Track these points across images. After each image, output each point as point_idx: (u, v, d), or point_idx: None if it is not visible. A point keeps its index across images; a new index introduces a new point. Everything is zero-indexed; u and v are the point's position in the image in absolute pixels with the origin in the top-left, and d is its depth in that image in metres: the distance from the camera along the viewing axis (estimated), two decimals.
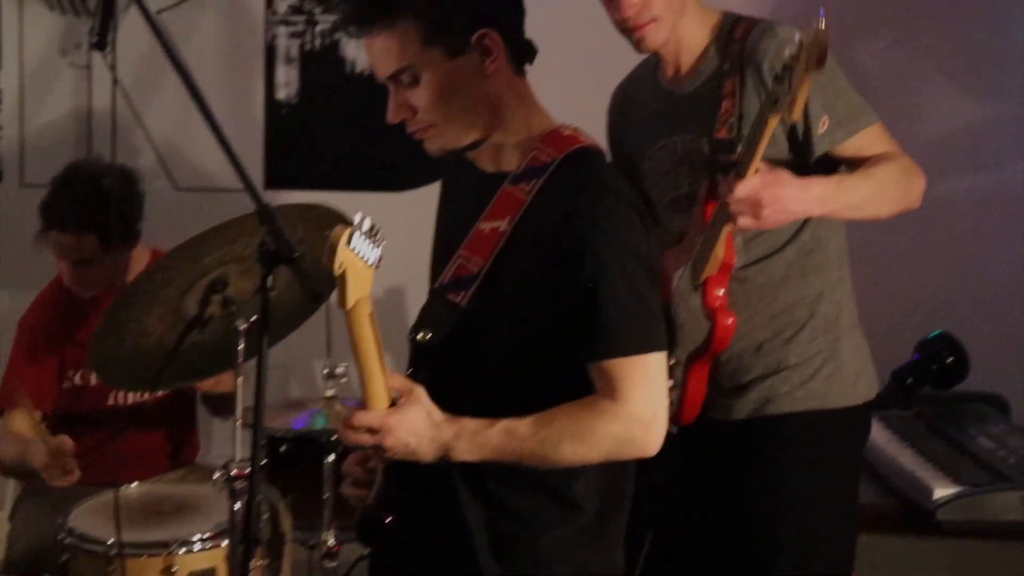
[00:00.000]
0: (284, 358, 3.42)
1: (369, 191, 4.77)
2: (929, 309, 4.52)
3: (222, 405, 3.91)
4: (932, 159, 2.90)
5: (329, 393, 3.88)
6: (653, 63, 3.02)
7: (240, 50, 4.83)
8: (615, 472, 2.42)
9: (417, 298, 2.51)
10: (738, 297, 2.86)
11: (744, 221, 2.67)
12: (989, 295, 4.60)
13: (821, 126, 2.79)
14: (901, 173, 2.83)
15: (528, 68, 2.47)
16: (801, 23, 2.93)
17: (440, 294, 2.41)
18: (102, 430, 3.87)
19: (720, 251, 2.77)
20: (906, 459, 3.72)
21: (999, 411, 4.21)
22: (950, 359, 4.10)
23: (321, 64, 4.82)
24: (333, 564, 3.68)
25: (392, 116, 2.42)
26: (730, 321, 2.80)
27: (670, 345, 2.84)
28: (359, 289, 2.21)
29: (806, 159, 2.83)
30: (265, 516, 3.41)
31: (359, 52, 4.73)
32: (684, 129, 2.92)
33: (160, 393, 3.91)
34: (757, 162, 2.62)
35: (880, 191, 2.80)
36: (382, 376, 2.29)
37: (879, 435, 3.73)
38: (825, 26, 2.39)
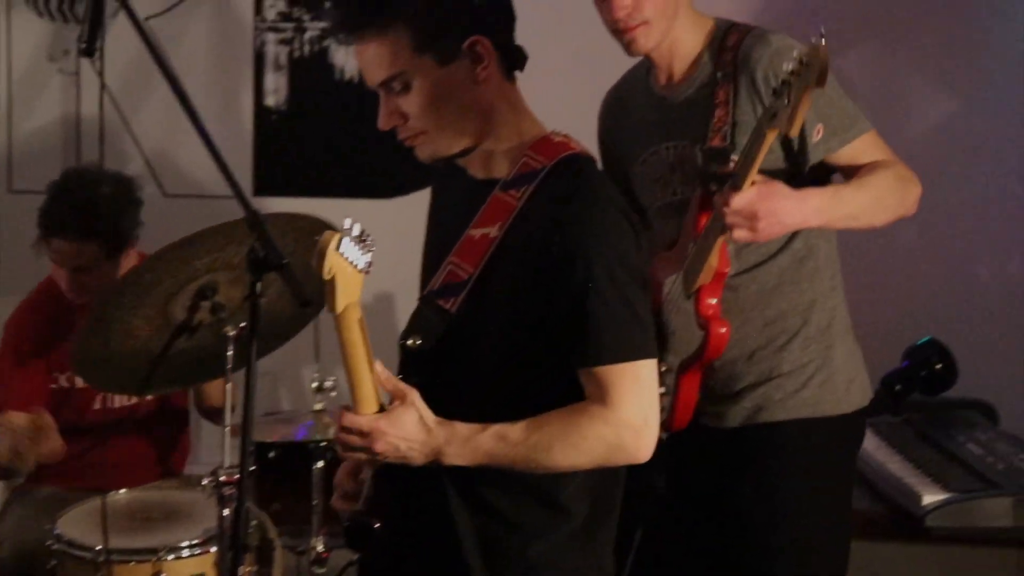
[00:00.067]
0: (273, 366, 3.42)
1: (358, 198, 4.76)
2: (918, 316, 4.52)
3: (217, 413, 3.91)
4: (920, 166, 2.90)
5: (318, 406, 3.88)
6: (645, 68, 3.02)
7: (229, 57, 4.83)
8: (605, 477, 2.42)
9: (406, 304, 2.51)
10: (731, 305, 2.86)
11: (740, 234, 2.66)
12: (978, 302, 4.61)
13: (816, 134, 2.79)
14: (896, 181, 2.83)
15: (518, 74, 2.47)
16: (784, 26, 2.95)
17: (430, 300, 2.41)
18: (90, 435, 3.86)
19: (714, 260, 2.76)
20: (895, 465, 3.73)
21: (987, 418, 4.22)
22: (939, 366, 4.11)
23: (310, 71, 4.81)
24: (322, 570, 3.66)
25: (383, 123, 2.42)
26: (724, 330, 2.80)
27: (662, 351, 2.85)
28: (348, 294, 2.21)
29: (801, 167, 2.83)
30: (254, 523, 3.41)
31: (348, 59, 4.73)
32: (676, 136, 2.92)
33: (149, 398, 3.91)
34: (753, 175, 2.61)
35: (876, 200, 2.80)
36: (371, 381, 2.29)
37: (868, 441, 3.73)
38: (825, 43, 2.38)
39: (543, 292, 2.31)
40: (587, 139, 2.58)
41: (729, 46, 2.85)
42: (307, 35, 4.80)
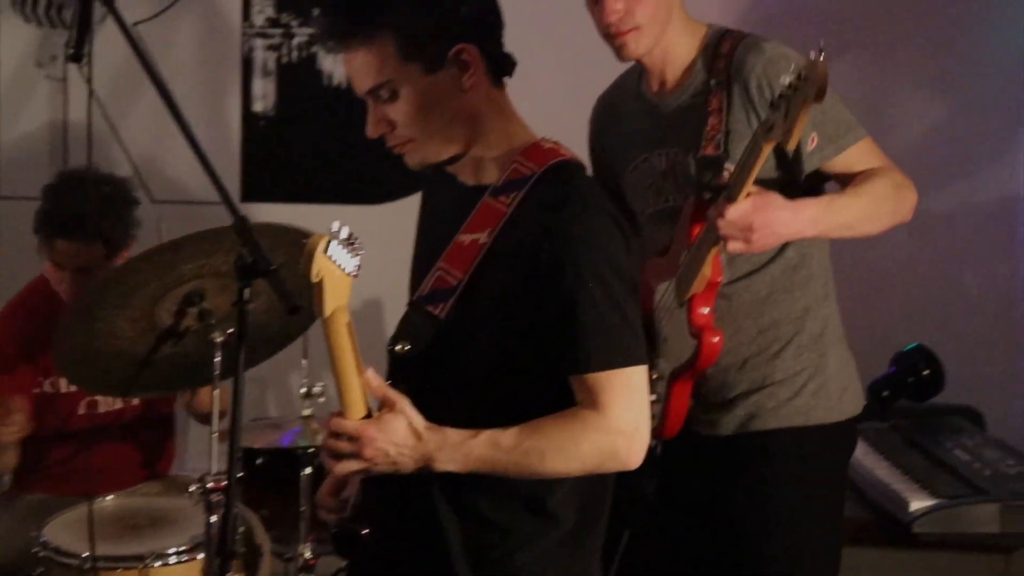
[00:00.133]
0: (260, 371, 3.41)
1: (346, 204, 4.77)
2: (905, 322, 4.53)
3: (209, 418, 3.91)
4: (907, 172, 2.90)
5: (306, 412, 3.88)
6: (637, 73, 3.02)
7: (217, 62, 4.82)
8: (593, 484, 2.41)
9: (395, 310, 2.51)
10: (723, 313, 2.86)
11: (734, 246, 2.66)
12: (965, 308, 4.62)
13: (811, 143, 2.79)
14: (892, 188, 2.82)
15: (508, 81, 2.47)
16: (770, 30, 2.95)
17: (419, 306, 2.41)
18: (75, 440, 3.85)
19: (707, 270, 2.76)
20: (882, 471, 3.73)
21: (974, 423, 4.23)
22: (926, 372, 4.13)
23: (298, 77, 4.82)
24: None
25: (371, 131, 2.42)
26: (716, 339, 2.80)
27: (653, 358, 2.85)
28: (337, 298, 2.21)
29: (796, 176, 2.83)
30: (241, 529, 3.40)
31: (336, 65, 4.73)
32: (669, 143, 2.92)
33: (134, 403, 3.91)
34: (749, 187, 2.61)
35: (872, 209, 2.80)
36: (360, 386, 2.29)
37: (856, 447, 3.74)
38: (824, 57, 2.38)
39: (533, 298, 2.31)
40: (577, 145, 2.58)
41: (723, 53, 2.85)
42: (295, 41, 4.80)
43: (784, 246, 2.87)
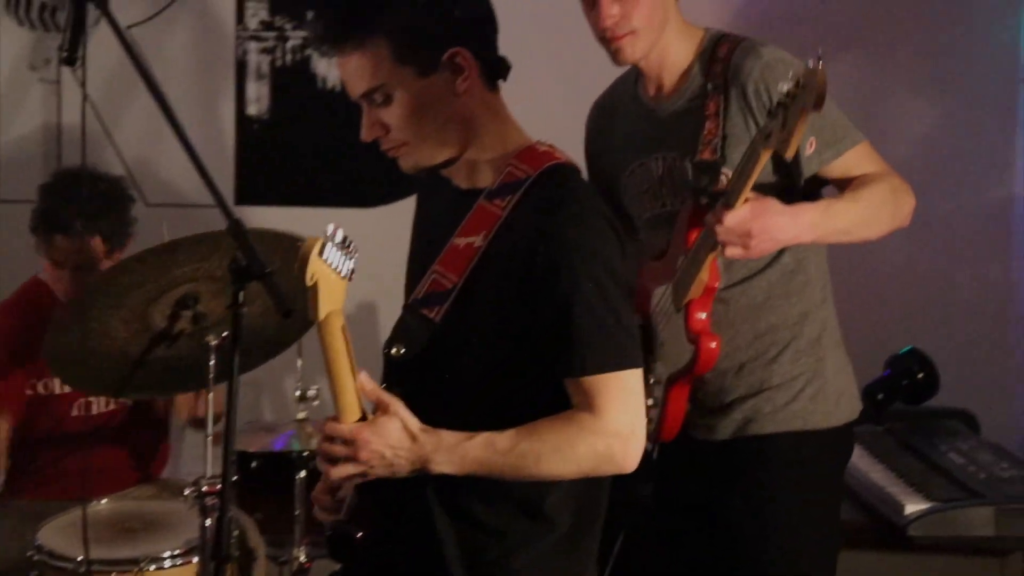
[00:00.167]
0: (254, 375, 3.41)
1: (340, 207, 4.76)
2: (899, 325, 4.53)
3: (195, 424, 3.91)
4: (902, 176, 2.90)
5: (301, 415, 3.87)
6: (633, 77, 3.01)
7: (211, 66, 4.81)
8: (589, 486, 2.42)
9: (389, 313, 2.50)
10: (721, 318, 2.85)
11: (732, 251, 2.66)
12: (959, 311, 4.62)
13: (809, 147, 2.78)
14: (890, 193, 2.82)
15: (503, 84, 2.47)
16: (764, 33, 2.95)
17: (414, 309, 2.41)
18: (68, 442, 3.85)
19: (704, 275, 2.76)
20: (877, 475, 3.73)
21: (969, 427, 4.22)
22: (920, 375, 4.13)
23: (292, 80, 4.81)
24: None
25: (366, 135, 2.42)
26: (714, 344, 2.79)
27: (650, 362, 2.85)
28: (331, 301, 2.21)
29: (795, 181, 2.83)
30: (235, 533, 3.40)
31: (330, 68, 4.72)
32: (666, 148, 2.91)
33: (128, 406, 3.90)
34: (747, 193, 2.61)
35: (870, 214, 2.80)
36: (354, 389, 2.29)
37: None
38: (822, 65, 2.37)
39: (528, 302, 2.31)
40: (572, 148, 2.58)
41: (720, 57, 2.84)
42: (289, 44, 4.79)
43: (781, 251, 2.87)
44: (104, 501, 3.60)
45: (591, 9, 2.82)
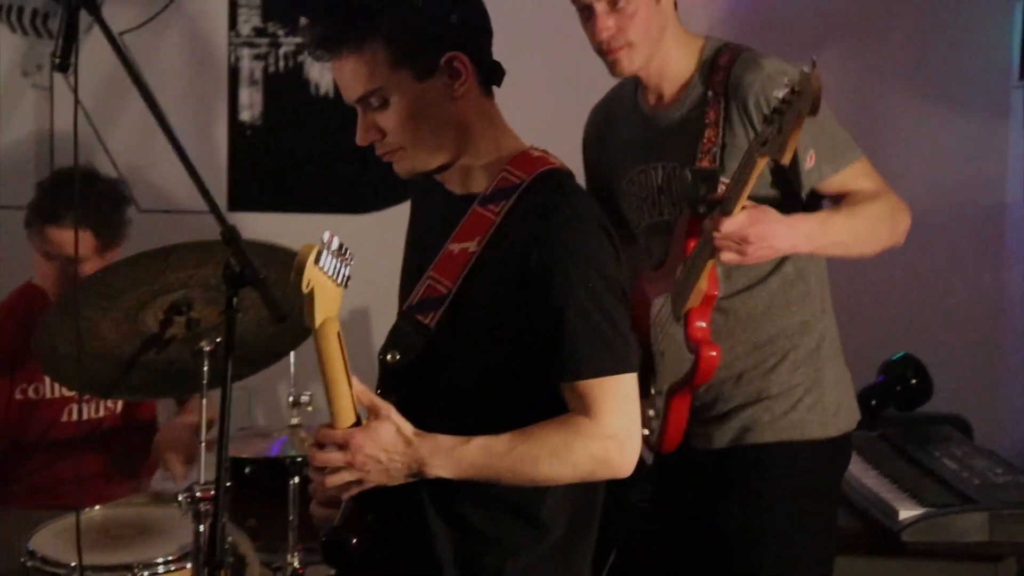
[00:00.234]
0: (248, 381, 3.41)
1: (334, 213, 4.76)
2: (893, 331, 4.54)
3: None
4: (895, 182, 2.91)
5: (294, 421, 3.87)
6: (633, 84, 3.01)
7: (203, 72, 4.82)
8: (584, 492, 2.42)
9: (383, 319, 2.50)
10: (720, 327, 2.86)
11: (729, 257, 2.66)
12: (952, 317, 4.62)
13: (808, 161, 2.79)
14: (887, 211, 2.83)
15: (499, 90, 2.47)
16: (754, 34, 2.94)
17: (409, 315, 2.41)
18: (58, 447, 3.84)
19: (703, 284, 2.76)
20: (871, 480, 3.73)
21: (962, 432, 4.22)
22: (914, 381, 4.13)
23: (285, 86, 4.81)
24: None
25: (361, 139, 2.42)
26: (713, 353, 2.79)
27: (651, 374, 2.85)
28: (327, 308, 2.20)
29: (796, 192, 2.83)
30: (229, 539, 3.39)
31: (323, 74, 4.73)
32: (665, 156, 2.92)
33: (118, 412, 3.90)
34: (744, 200, 2.61)
35: (867, 230, 2.81)
36: (349, 395, 2.28)
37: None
38: (818, 70, 2.38)
39: (522, 307, 2.31)
40: (567, 154, 2.57)
41: (720, 66, 2.84)
42: (282, 50, 4.80)
43: (782, 261, 2.87)
44: (97, 508, 3.59)
45: (587, 21, 2.82)
